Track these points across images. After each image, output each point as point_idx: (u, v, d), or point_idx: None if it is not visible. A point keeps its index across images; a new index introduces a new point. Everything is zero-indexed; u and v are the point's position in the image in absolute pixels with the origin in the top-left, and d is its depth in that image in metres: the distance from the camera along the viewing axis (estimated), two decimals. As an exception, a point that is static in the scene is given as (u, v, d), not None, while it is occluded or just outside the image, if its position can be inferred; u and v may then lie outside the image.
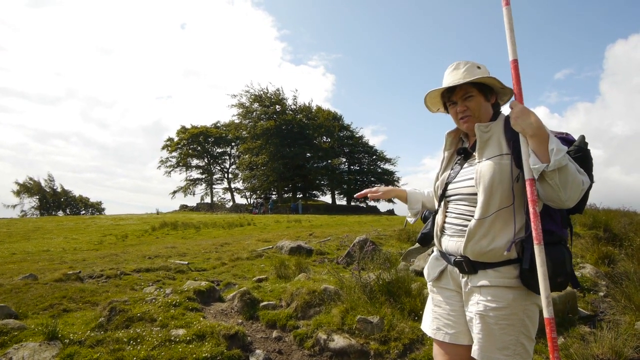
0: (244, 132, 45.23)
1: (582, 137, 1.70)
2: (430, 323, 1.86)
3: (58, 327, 3.52)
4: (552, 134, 1.52)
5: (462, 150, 1.85)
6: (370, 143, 49.24)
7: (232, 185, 52.60)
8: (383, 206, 45.91)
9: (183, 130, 50.40)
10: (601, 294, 4.72)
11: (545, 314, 1.45)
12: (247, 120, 44.50)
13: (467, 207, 1.73)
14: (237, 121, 46.07)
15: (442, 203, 1.86)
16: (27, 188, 52.77)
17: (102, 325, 3.79)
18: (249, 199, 50.78)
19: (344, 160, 47.00)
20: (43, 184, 54.44)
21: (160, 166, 50.84)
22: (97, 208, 59.86)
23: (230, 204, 48.97)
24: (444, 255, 1.84)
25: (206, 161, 51.82)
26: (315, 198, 49.53)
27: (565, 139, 1.71)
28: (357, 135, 47.13)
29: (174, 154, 50.55)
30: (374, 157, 47.23)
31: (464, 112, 1.77)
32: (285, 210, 36.39)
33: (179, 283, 6.03)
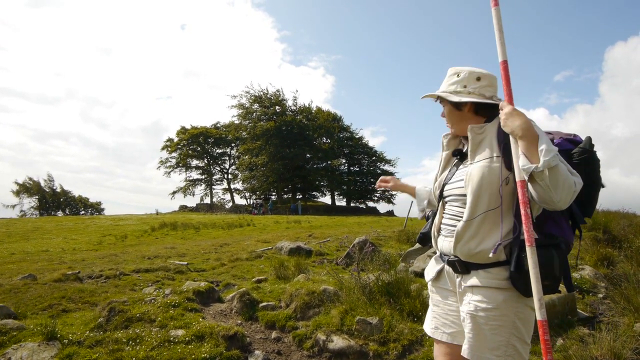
0: (243, 133, 45.25)
1: (588, 139, 1.68)
2: (430, 322, 1.87)
3: (57, 328, 3.52)
4: (544, 134, 1.51)
5: (457, 151, 1.87)
6: (370, 144, 49.32)
7: (232, 186, 52.66)
8: (382, 207, 45.99)
9: (183, 130, 50.42)
10: (600, 295, 4.72)
11: (538, 317, 1.44)
12: (247, 121, 44.52)
13: (460, 208, 1.75)
14: (237, 122, 46.10)
15: (440, 204, 1.88)
16: (27, 188, 52.74)
17: (101, 325, 3.79)
18: (248, 200, 50.81)
19: (344, 161, 47.04)
20: (42, 184, 54.46)
21: (160, 167, 50.90)
22: (96, 208, 59.83)
23: (230, 204, 48.97)
24: (440, 255, 1.86)
25: (206, 162, 51.82)
26: (315, 199, 49.54)
27: (573, 140, 1.70)
28: (357, 137, 47.20)
29: (174, 154, 50.57)
30: (374, 158, 47.26)
31: (446, 119, 1.85)
32: (285, 211, 36.38)
33: (178, 284, 6.04)
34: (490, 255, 1.58)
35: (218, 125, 52.53)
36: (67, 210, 56.43)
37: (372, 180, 46.60)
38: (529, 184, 1.48)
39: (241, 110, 44.58)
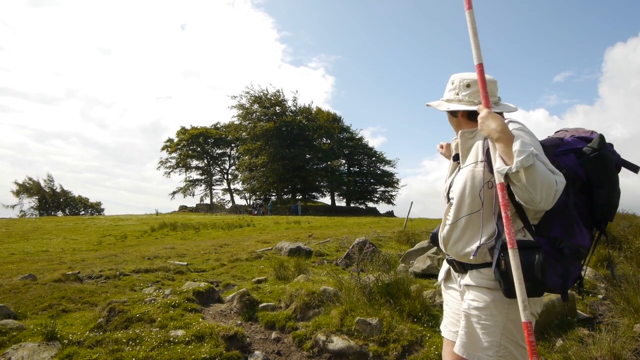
0: (243, 133, 45.28)
1: (599, 137, 1.65)
2: (442, 321, 1.94)
3: (57, 328, 3.52)
4: (526, 135, 1.52)
5: (456, 156, 1.90)
6: (370, 145, 49.39)
7: (232, 187, 52.68)
8: (382, 208, 46.01)
9: (183, 131, 50.44)
10: (600, 296, 4.72)
11: (522, 318, 1.45)
12: (247, 122, 44.54)
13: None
14: (237, 122, 46.14)
15: (447, 206, 1.91)
16: (27, 188, 52.74)
17: (101, 325, 3.79)
18: (248, 200, 50.82)
19: (344, 161, 47.05)
20: (42, 184, 54.46)
21: (160, 167, 50.93)
22: (96, 208, 59.83)
23: (230, 205, 48.97)
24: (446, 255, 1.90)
25: (206, 162, 51.83)
26: (315, 199, 49.56)
27: (587, 139, 1.69)
28: (357, 137, 47.24)
29: (174, 154, 50.60)
30: (374, 158, 47.28)
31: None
32: (285, 211, 36.39)
33: (178, 284, 6.03)
34: (471, 257, 1.61)
35: (218, 125, 52.58)
36: (67, 211, 56.43)
37: (372, 180, 46.65)
38: (510, 186, 1.48)
39: (241, 111, 44.63)
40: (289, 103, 44.90)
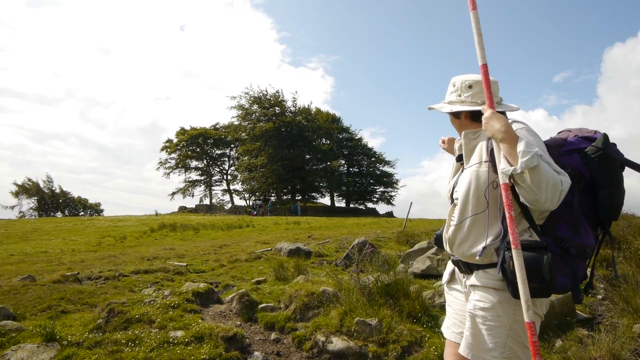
0: (243, 134, 45.28)
1: (603, 137, 1.65)
2: (445, 322, 1.94)
3: (56, 329, 3.52)
4: (529, 135, 1.52)
5: (460, 157, 1.90)
6: (369, 145, 49.39)
7: (231, 187, 52.66)
8: (382, 208, 45.99)
9: (182, 131, 50.41)
10: (599, 296, 4.72)
11: (525, 318, 1.45)
12: (247, 122, 44.53)
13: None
14: (236, 123, 46.12)
15: (452, 206, 1.92)
16: (26, 189, 52.67)
17: (101, 326, 3.78)
18: (248, 201, 50.79)
19: (343, 162, 47.09)
20: (41, 185, 54.40)
21: (159, 167, 50.87)
22: (95, 209, 59.79)
23: (229, 205, 48.94)
24: (451, 256, 1.91)
25: (205, 163, 51.81)
26: (314, 200, 49.55)
27: (590, 138, 1.69)
28: (356, 138, 47.26)
29: (173, 155, 50.57)
30: (373, 159, 47.29)
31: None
32: (284, 212, 36.38)
33: (178, 285, 6.03)
34: (477, 258, 1.61)
35: (217, 126, 52.55)
36: (66, 211, 56.38)
37: (371, 181, 46.65)
38: (515, 186, 1.48)
39: (240, 111, 44.62)
40: (289, 103, 44.95)
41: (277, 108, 43.55)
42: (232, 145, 50.72)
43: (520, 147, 1.41)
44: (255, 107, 43.92)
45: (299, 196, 47.48)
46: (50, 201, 55.07)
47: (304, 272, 6.23)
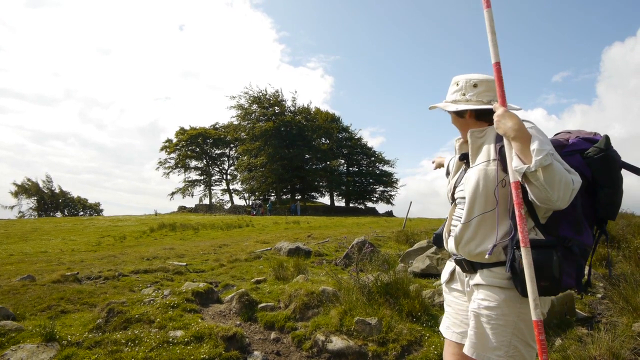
0: (242, 134, 45.26)
1: (605, 138, 1.67)
2: (443, 322, 1.92)
3: (56, 329, 3.52)
4: (540, 134, 1.52)
5: (463, 156, 1.89)
6: (369, 145, 49.34)
7: (231, 187, 52.68)
8: (381, 208, 46.02)
9: (182, 131, 50.40)
10: (599, 295, 4.73)
11: (533, 317, 1.45)
12: (246, 122, 44.51)
13: (462, 210, 1.78)
14: (235, 122, 46.10)
15: (452, 206, 1.92)
16: (25, 189, 52.64)
17: (100, 326, 3.78)
18: (247, 201, 50.79)
19: (343, 161, 47.07)
20: (41, 185, 54.37)
21: (158, 167, 50.87)
22: (95, 209, 59.77)
23: (229, 205, 48.94)
24: (451, 256, 1.90)
25: (205, 162, 51.80)
26: (314, 199, 49.55)
27: (591, 140, 1.70)
28: (356, 137, 47.24)
29: (173, 155, 50.57)
30: (373, 158, 47.28)
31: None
32: (284, 211, 36.37)
33: (177, 284, 6.03)
34: (487, 256, 1.60)
35: (217, 126, 52.54)
36: (65, 211, 56.36)
37: (371, 180, 46.65)
38: (526, 185, 1.48)
39: (240, 111, 44.59)
40: (288, 103, 44.94)
41: (276, 108, 43.53)
42: (231, 145, 50.71)
43: (534, 145, 1.42)
44: (254, 106, 43.90)
45: (298, 196, 47.47)
46: (50, 201, 55.04)
47: (303, 271, 6.23)
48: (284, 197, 46.66)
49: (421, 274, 5.86)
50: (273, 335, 3.87)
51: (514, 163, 1.49)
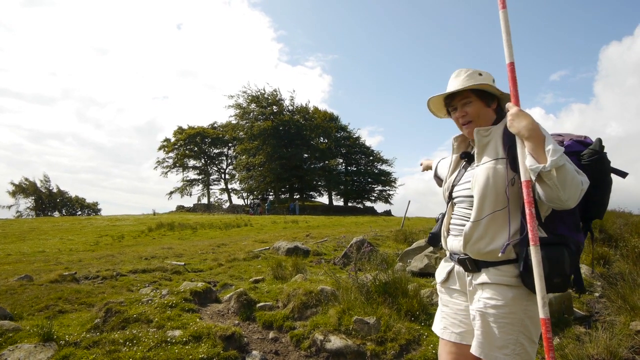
0: (241, 133, 45.15)
1: (599, 141, 1.70)
2: (439, 322, 1.90)
3: (53, 329, 3.50)
4: (549, 134, 1.54)
5: (465, 154, 1.90)
6: (367, 144, 49.31)
7: (229, 186, 52.55)
8: (380, 207, 46.05)
9: (180, 130, 50.29)
10: (596, 294, 4.74)
11: (541, 315, 1.46)
12: (244, 121, 44.41)
13: (467, 209, 1.78)
14: (234, 122, 45.99)
15: (449, 205, 1.92)
16: (23, 189, 52.45)
17: (98, 326, 3.78)
18: (246, 200, 50.74)
19: (341, 161, 47.05)
20: (39, 184, 54.17)
21: (157, 167, 50.71)
22: (93, 209, 59.60)
23: (227, 204, 48.88)
24: (450, 255, 1.88)
25: (203, 162, 51.70)
26: (313, 199, 49.53)
27: (583, 142, 1.73)
28: (354, 136, 47.20)
29: (171, 154, 50.42)
30: (371, 158, 47.27)
31: (463, 118, 1.82)
32: (282, 211, 36.35)
33: (176, 284, 6.02)
34: (500, 254, 1.61)
35: (215, 125, 52.40)
36: (63, 211, 56.17)
37: (369, 180, 46.66)
38: (536, 183, 1.51)
39: (238, 110, 44.49)
40: (286, 102, 44.81)
41: (274, 107, 43.45)
42: (230, 144, 50.61)
43: (549, 145, 1.45)
44: (253, 106, 43.80)
45: (297, 195, 47.44)
46: (48, 201, 54.87)
47: (302, 270, 6.22)
48: (283, 196, 46.62)
49: (419, 273, 5.86)
50: (271, 334, 3.87)
51: (528, 162, 1.50)
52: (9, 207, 51.12)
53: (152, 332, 3.56)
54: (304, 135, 43.07)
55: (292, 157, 41.66)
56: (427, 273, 5.82)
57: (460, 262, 1.77)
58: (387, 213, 40.94)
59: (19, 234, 17.42)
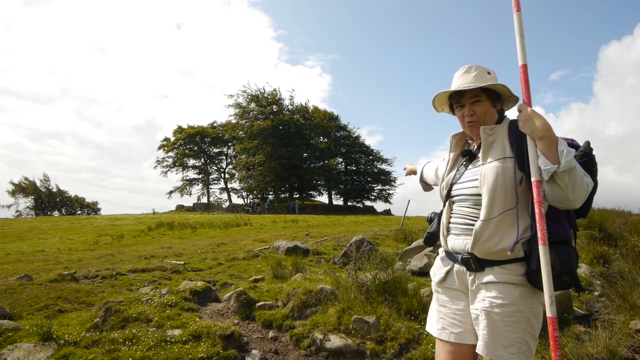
0: (240, 132, 45.14)
1: (588, 143, 1.73)
2: (435, 323, 1.87)
3: (53, 328, 3.50)
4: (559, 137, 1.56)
5: (466, 152, 1.89)
6: (367, 143, 49.37)
7: (229, 186, 52.55)
8: (380, 206, 46.05)
9: (179, 130, 50.26)
10: (596, 293, 4.74)
11: (549, 313, 1.48)
12: (244, 120, 44.41)
13: (471, 208, 1.77)
14: (233, 121, 46.01)
15: (447, 203, 1.90)
16: (22, 188, 52.44)
17: (98, 325, 3.77)
18: (245, 199, 50.73)
19: (341, 160, 47.06)
20: (38, 184, 54.18)
21: (156, 166, 50.72)
22: (92, 208, 59.60)
23: (227, 204, 48.88)
24: (449, 254, 1.86)
25: (203, 161, 51.68)
26: (312, 198, 49.53)
27: (571, 145, 1.73)
28: (354, 136, 47.20)
29: (171, 154, 50.40)
30: (371, 157, 47.28)
31: (471, 116, 1.81)
32: (282, 210, 36.36)
33: (175, 283, 6.01)
34: (509, 253, 1.62)
35: (215, 124, 52.37)
36: (63, 210, 56.17)
37: (369, 179, 46.67)
38: (546, 184, 1.53)
39: (238, 110, 44.50)
40: (286, 102, 44.83)
41: (274, 106, 43.43)
42: (229, 144, 50.59)
43: (562, 147, 1.48)
44: (252, 105, 43.78)
45: (296, 194, 47.44)
46: (47, 200, 54.86)
47: (301, 270, 6.22)
48: (282, 195, 46.62)
49: (419, 272, 5.86)
50: (271, 333, 3.87)
51: (541, 163, 1.51)
52: (9, 206, 51.18)
53: (151, 331, 3.56)
54: (304, 135, 43.05)
55: (291, 156, 41.65)
56: (427, 272, 5.78)
57: (464, 261, 1.75)
58: (387, 212, 40.96)
59: (18, 234, 17.42)
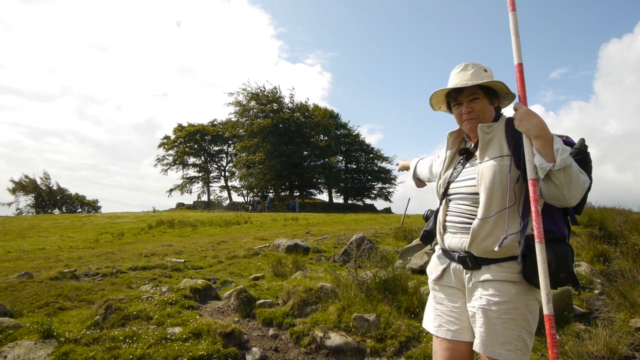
0: (240, 130, 45.10)
1: (582, 140, 1.74)
2: (432, 321, 1.87)
3: (53, 326, 3.50)
4: (554, 135, 1.56)
5: (463, 150, 1.88)
6: (367, 141, 49.30)
7: (229, 184, 52.52)
8: (380, 204, 46.06)
9: (180, 128, 50.21)
10: (596, 291, 4.75)
11: (545, 311, 1.48)
12: (244, 119, 44.37)
13: (468, 206, 1.77)
14: (234, 119, 45.96)
15: (444, 201, 1.89)
16: (23, 186, 52.44)
17: (98, 323, 3.78)
18: (245, 197, 50.70)
19: (341, 158, 47.05)
20: (39, 182, 54.11)
21: (156, 164, 50.66)
22: (93, 206, 59.53)
23: (227, 202, 48.84)
24: (446, 252, 1.86)
25: (203, 159, 51.66)
26: (312, 196, 49.55)
27: (566, 142, 1.73)
28: (354, 134, 47.17)
29: (171, 152, 50.36)
30: (371, 155, 47.28)
31: (468, 114, 1.80)
32: (282, 208, 36.35)
33: (176, 281, 6.02)
34: (496, 249, 1.62)
35: (215, 122, 52.33)
36: (63, 208, 56.13)
37: (369, 177, 46.67)
38: (542, 182, 1.53)
39: (238, 108, 44.43)
40: (286, 100, 44.77)
41: (274, 104, 43.38)
42: (229, 142, 50.57)
43: (558, 145, 1.48)
44: (252, 103, 43.74)
45: (297, 192, 47.44)
46: (48, 198, 54.84)
47: (302, 268, 6.23)
48: (283, 193, 46.61)
49: (419, 271, 5.87)
50: (271, 331, 3.88)
51: (537, 161, 1.52)
52: (9, 204, 51.14)
53: (152, 329, 3.56)
54: (304, 133, 43.03)
55: (292, 154, 41.62)
56: (427, 270, 5.82)
57: (461, 259, 1.75)
58: (387, 210, 40.95)
59: (19, 231, 17.43)
